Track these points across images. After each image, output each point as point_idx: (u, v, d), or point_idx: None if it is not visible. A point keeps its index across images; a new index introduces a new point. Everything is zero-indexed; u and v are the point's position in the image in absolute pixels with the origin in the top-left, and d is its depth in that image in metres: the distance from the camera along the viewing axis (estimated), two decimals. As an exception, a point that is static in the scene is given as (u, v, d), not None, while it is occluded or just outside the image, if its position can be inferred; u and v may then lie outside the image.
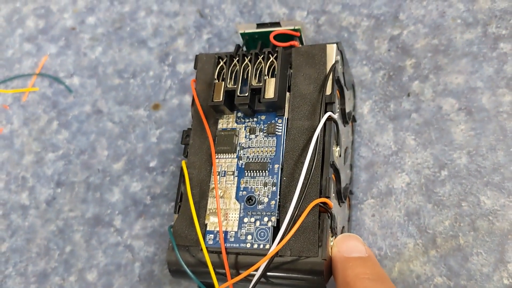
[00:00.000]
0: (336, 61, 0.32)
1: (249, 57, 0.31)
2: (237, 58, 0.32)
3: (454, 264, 0.33)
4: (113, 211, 0.42)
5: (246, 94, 0.31)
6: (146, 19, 0.48)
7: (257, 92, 0.31)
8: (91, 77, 0.47)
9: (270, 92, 0.30)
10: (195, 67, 0.35)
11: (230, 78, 0.32)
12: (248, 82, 0.31)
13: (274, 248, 0.27)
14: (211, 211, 0.30)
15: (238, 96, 0.31)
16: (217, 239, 0.30)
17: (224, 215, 0.30)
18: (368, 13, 0.41)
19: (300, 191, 0.29)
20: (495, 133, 0.35)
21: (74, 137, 0.46)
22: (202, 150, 0.32)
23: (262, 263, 0.26)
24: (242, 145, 0.31)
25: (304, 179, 0.29)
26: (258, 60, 0.31)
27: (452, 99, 0.37)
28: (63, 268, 0.42)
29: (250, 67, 0.31)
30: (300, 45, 0.33)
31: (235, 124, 0.32)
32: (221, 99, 0.31)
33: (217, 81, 0.32)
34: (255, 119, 0.31)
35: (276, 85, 0.30)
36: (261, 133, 0.31)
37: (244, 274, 0.27)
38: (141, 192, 0.42)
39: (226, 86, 0.31)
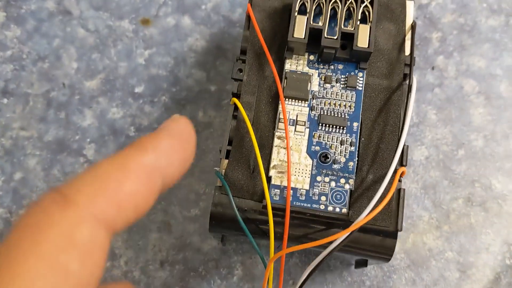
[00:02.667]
0: (415, 22, 0.30)
1: (334, -5, 0.28)
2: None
3: (465, 241, 0.35)
4: (84, 138, 0.36)
5: (336, 37, 0.28)
6: None
7: (346, 38, 0.28)
8: (57, -34, 0.39)
9: (363, 41, 0.28)
10: (251, -9, 0.31)
11: (313, 13, 0.28)
12: (338, 24, 0.28)
13: (363, 216, 0.25)
14: (275, 162, 0.27)
15: (325, 37, 0.28)
16: (284, 195, 0.27)
17: (293, 170, 0.27)
18: (399, -27, 0.40)
19: (379, 157, 0.27)
20: (509, 122, 0.37)
21: (29, 38, 0.37)
22: (262, 90, 0.29)
23: (347, 232, 0.25)
24: (315, 93, 0.28)
25: (389, 144, 0.27)
26: (350, 1, 0.28)
27: (473, 81, 0.38)
28: (10, 198, 0.35)
29: (340, 7, 0.28)
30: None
31: (307, 68, 0.29)
32: (303, 37, 0.28)
33: (297, 14, 0.28)
34: (331, 67, 0.29)
35: (372, 34, 0.28)
36: (338, 84, 0.29)
37: (323, 240, 0.24)
38: (123, 120, 0.36)
39: (310, 22, 0.28)
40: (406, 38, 0.30)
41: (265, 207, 0.27)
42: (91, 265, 0.16)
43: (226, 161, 0.28)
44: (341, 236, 0.25)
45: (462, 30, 0.40)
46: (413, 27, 0.31)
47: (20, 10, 0.38)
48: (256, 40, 0.30)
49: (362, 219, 0.25)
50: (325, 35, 0.28)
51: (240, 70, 0.29)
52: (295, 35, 0.28)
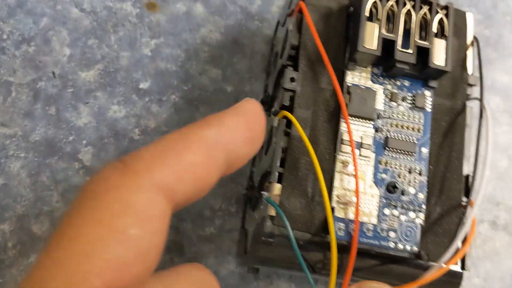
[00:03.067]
0: (475, 36, 0.28)
1: (412, 3, 0.25)
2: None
3: (490, 267, 0.33)
4: (79, 140, 0.30)
5: (411, 51, 0.25)
6: None
7: (420, 52, 0.25)
8: None
9: (439, 58, 0.25)
10: (302, -14, 0.27)
11: (384, 20, 0.25)
12: (412, 36, 0.25)
13: (447, 259, 0.22)
14: (338, 191, 0.24)
15: (399, 50, 0.24)
16: (348, 229, 0.23)
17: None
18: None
19: (446, 188, 0.25)
20: (531, 143, 0.36)
21: (12, 14, 0.31)
22: (318, 104, 0.25)
23: (430, 278, 0.22)
24: (380, 112, 0.25)
25: (455, 173, 0.25)
26: (424, 11, 0.25)
27: (498, 98, 0.37)
28: (-13, 210, 0.29)
29: (414, 17, 0.25)
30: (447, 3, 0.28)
31: (370, 83, 0.25)
32: (375, 48, 0.24)
33: (368, 21, 0.25)
34: (397, 83, 0.26)
35: (449, 50, 0.25)
36: (404, 103, 0.25)
37: (408, 286, 0.22)
38: (126, 121, 0.31)
39: (382, 31, 0.24)
40: (468, 53, 0.28)
41: (326, 242, 0.23)
42: (151, 232, 0.16)
43: (278, 185, 0.24)
44: (427, 281, 0.22)
45: (487, 43, 0.38)
46: (476, 41, 0.28)
47: (-2, -22, 0.31)
48: (310, 45, 0.26)
49: (446, 263, 0.23)
50: (399, 48, 0.25)
51: (293, 79, 0.25)
52: (366, 45, 0.24)
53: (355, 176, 0.24)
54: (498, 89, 0.37)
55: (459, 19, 0.28)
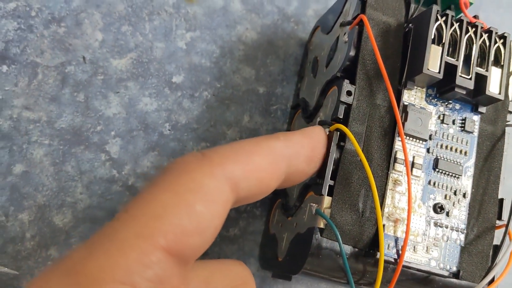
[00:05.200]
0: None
1: (473, 29, 0.25)
2: (458, 23, 0.25)
3: None
4: (107, 130, 0.29)
5: (470, 77, 0.25)
6: None
7: (479, 79, 0.25)
8: None
9: (495, 86, 0.25)
10: (365, -1, 0.27)
11: (447, 44, 0.25)
12: (472, 63, 0.25)
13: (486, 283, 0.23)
14: (389, 209, 0.24)
15: (460, 76, 0.25)
16: (397, 247, 0.24)
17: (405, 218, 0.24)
18: None
19: (483, 211, 0.25)
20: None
21: (42, -10, 0.29)
22: (373, 120, 0.25)
23: None
24: (433, 134, 0.25)
25: (491, 197, 0.26)
26: (482, 38, 0.26)
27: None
28: (7, 197, 0.27)
29: (475, 44, 0.25)
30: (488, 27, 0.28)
31: (425, 103, 0.26)
32: (438, 71, 0.24)
33: (432, 43, 0.25)
34: (449, 105, 0.26)
35: (504, 79, 0.25)
36: (454, 126, 0.26)
37: None
38: (157, 114, 0.30)
39: (445, 56, 0.25)
40: (511, 81, 0.28)
41: (372, 257, 0.23)
42: (212, 213, 0.19)
43: (328, 198, 0.24)
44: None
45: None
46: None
47: (31, -50, 0.30)
48: (368, 60, 0.26)
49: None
50: (460, 73, 0.25)
51: (349, 93, 0.25)
52: (430, 68, 0.24)
53: (408, 195, 0.24)
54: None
55: (502, 44, 0.29)
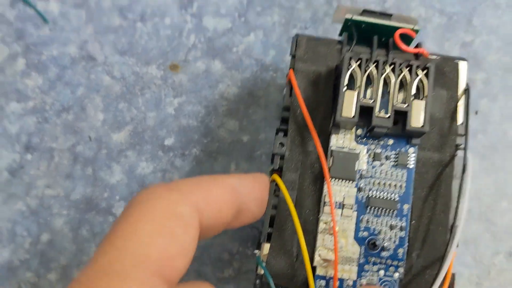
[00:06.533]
0: (468, 85, 0.29)
1: (391, 66, 0.26)
2: (375, 64, 0.26)
3: (512, 302, 0.34)
4: (112, 196, 0.35)
5: (388, 116, 0.26)
6: None
7: (398, 114, 0.26)
8: (77, 6, 0.37)
9: (418, 120, 0.26)
10: (292, 53, 0.29)
11: (363, 87, 0.27)
12: (390, 100, 0.26)
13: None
14: (321, 251, 0.26)
15: (377, 116, 0.26)
16: (330, 287, 0.25)
17: (340, 258, 0.26)
18: (441, 8, 0.38)
19: (429, 240, 0.26)
20: (557, 171, 0.36)
21: (52, 87, 0.36)
22: (305, 167, 0.27)
23: None
24: (363, 173, 0.27)
25: (440, 225, 0.26)
26: (402, 74, 0.26)
27: (521, 125, 0.36)
28: (38, 261, 0.34)
29: (393, 80, 0.26)
30: (430, 55, 0.29)
31: (354, 144, 0.27)
32: (353, 115, 0.26)
33: (346, 88, 0.26)
34: (380, 142, 0.27)
35: (427, 111, 0.26)
36: (387, 162, 0.27)
37: None
38: (153, 176, 0.35)
39: (360, 99, 0.26)
40: (459, 104, 0.29)
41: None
42: (191, 235, 0.21)
43: (268, 245, 0.27)
44: None
45: (507, 70, 0.37)
46: (466, 91, 0.29)
47: (40, 56, 0.36)
48: (298, 111, 0.28)
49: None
50: (376, 114, 0.26)
51: (282, 145, 0.28)
52: (343, 114, 0.26)
53: (334, 236, 0.26)
54: (521, 117, 0.37)
55: (451, 69, 0.29)
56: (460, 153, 0.28)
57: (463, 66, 0.29)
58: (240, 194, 0.25)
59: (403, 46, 0.28)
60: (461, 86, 0.29)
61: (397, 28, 0.29)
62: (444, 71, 0.29)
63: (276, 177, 0.27)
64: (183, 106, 0.36)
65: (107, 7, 0.37)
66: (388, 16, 0.30)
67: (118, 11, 0.37)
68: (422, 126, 0.26)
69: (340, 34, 0.31)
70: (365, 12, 0.30)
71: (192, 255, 0.21)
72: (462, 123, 0.28)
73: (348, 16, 0.29)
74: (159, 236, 0.20)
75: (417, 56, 0.29)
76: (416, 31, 0.29)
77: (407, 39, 0.29)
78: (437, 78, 0.28)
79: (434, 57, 0.29)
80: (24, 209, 0.34)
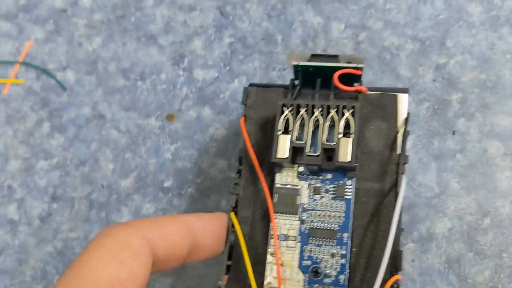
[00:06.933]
0: (408, 114, 0.30)
1: (320, 110, 0.29)
2: (305, 109, 0.29)
3: (496, 318, 0.34)
4: (123, 235, 0.39)
5: (317, 154, 0.28)
6: (155, 9, 0.43)
7: (329, 151, 0.29)
8: (89, 73, 0.43)
9: (345, 155, 0.28)
10: (243, 102, 0.32)
11: (296, 130, 0.29)
12: (319, 139, 0.29)
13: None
14: (269, 279, 0.29)
15: (307, 155, 0.29)
16: (278, 312, 0.28)
17: (286, 286, 0.28)
18: (413, 34, 0.39)
19: (371, 265, 0.28)
20: (541, 184, 0.35)
21: (71, 144, 0.42)
22: (256, 204, 0.30)
23: None
24: (305, 206, 0.29)
25: (382, 251, 0.28)
26: (331, 115, 0.29)
27: (498, 142, 0.37)
28: (66, 295, 0.39)
29: (321, 122, 0.29)
30: (368, 91, 0.31)
31: (296, 180, 0.30)
32: (286, 156, 0.29)
33: (280, 132, 0.29)
34: (320, 177, 0.30)
35: (353, 146, 0.28)
36: (327, 195, 0.29)
37: None
38: (155, 214, 0.39)
39: (293, 141, 0.29)
40: (399, 134, 0.30)
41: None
42: (140, 263, 0.25)
43: (226, 276, 0.30)
44: None
45: (484, 87, 0.38)
46: (406, 121, 0.30)
47: (61, 119, 0.43)
48: (249, 154, 0.31)
49: None
50: (307, 153, 0.29)
51: (237, 184, 0.31)
52: (278, 156, 0.29)
53: (277, 266, 0.29)
54: (499, 133, 0.37)
55: (390, 102, 0.31)
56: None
57: (402, 98, 0.31)
58: (195, 231, 0.28)
59: (341, 86, 0.30)
60: (402, 117, 0.30)
61: (340, 68, 0.31)
62: (383, 105, 0.30)
63: (232, 214, 0.30)
64: (179, 151, 0.40)
65: (113, 71, 0.43)
66: (334, 57, 0.32)
67: (122, 73, 0.42)
68: (349, 161, 0.28)
69: (295, 79, 0.33)
70: (313, 56, 0.32)
71: (143, 281, 0.25)
72: (402, 153, 0.30)
73: (295, 62, 0.32)
74: (110, 263, 0.24)
75: (357, 93, 0.31)
76: (360, 69, 0.32)
77: (354, 77, 0.32)
78: (375, 111, 0.30)
79: (373, 92, 0.31)
80: (52, 250, 0.40)
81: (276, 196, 0.30)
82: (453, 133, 0.37)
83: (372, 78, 0.39)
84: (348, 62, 0.32)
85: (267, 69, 0.40)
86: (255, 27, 0.42)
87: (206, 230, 0.29)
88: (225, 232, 0.30)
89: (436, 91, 0.38)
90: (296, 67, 0.32)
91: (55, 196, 0.41)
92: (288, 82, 0.33)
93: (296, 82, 0.32)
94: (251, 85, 0.33)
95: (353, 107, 0.29)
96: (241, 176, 0.31)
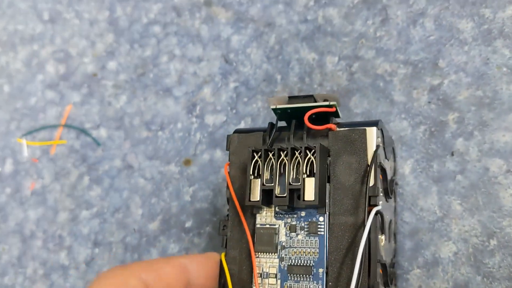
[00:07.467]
0: (378, 146, 0.31)
1: (285, 152, 0.30)
2: (272, 153, 0.31)
3: None
4: (153, 274, 0.43)
5: (285, 195, 0.30)
6: (169, 64, 0.47)
7: (296, 191, 0.30)
8: (118, 128, 0.47)
9: (309, 194, 0.29)
10: (227, 149, 0.34)
11: (267, 173, 0.31)
12: (286, 181, 0.30)
13: None
14: (255, 313, 0.30)
15: (276, 197, 0.30)
16: None
17: (269, 320, 0.30)
18: (405, 59, 0.39)
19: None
20: (547, 199, 0.34)
21: (107, 194, 0.46)
22: (242, 244, 0.32)
23: None
24: (283, 244, 0.31)
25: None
26: (295, 156, 0.30)
27: (500, 159, 0.35)
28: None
29: (287, 163, 0.30)
30: (338, 128, 0.32)
31: (274, 220, 0.31)
32: (258, 199, 0.30)
33: (252, 177, 0.31)
34: (295, 215, 0.31)
35: (316, 186, 0.29)
36: (302, 232, 0.31)
37: None
38: (179, 253, 0.42)
39: (263, 184, 0.31)
40: (370, 169, 0.31)
41: None
42: None
43: (219, 311, 0.32)
44: None
45: (481, 104, 0.37)
46: (375, 153, 0.31)
47: (98, 172, 0.47)
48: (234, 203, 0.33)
49: None
50: (276, 195, 0.30)
51: (224, 227, 0.33)
52: (251, 199, 0.31)
53: (258, 303, 0.30)
54: (500, 150, 0.36)
55: (358, 136, 0.31)
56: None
57: (371, 131, 0.31)
58: (189, 272, 0.31)
59: (311, 126, 0.32)
60: (371, 150, 0.31)
61: (313, 108, 0.33)
62: (352, 140, 0.31)
63: (222, 255, 0.33)
64: (196, 192, 0.43)
65: (137, 124, 0.47)
66: (310, 97, 0.33)
67: (145, 126, 0.46)
68: (313, 200, 0.29)
69: (275, 122, 0.35)
70: (290, 98, 0.34)
71: None
72: (373, 185, 0.30)
73: (273, 106, 0.34)
74: None
75: (327, 131, 0.32)
76: (333, 106, 0.33)
77: (331, 113, 0.33)
78: (345, 146, 0.31)
79: (342, 129, 0.32)
80: (96, 291, 0.45)
81: (255, 236, 0.32)
82: (452, 154, 0.37)
83: (368, 107, 0.40)
84: (325, 100, 0.33)
85: (269, 108, 0.42)
86: (256, 70, 0.44)
87: (200, 270, 0.32)
88: (217, 271, 0.32)
89: (431, 113, 0.38)
90: (275, 111, 0.34)
91: (96, 241, 0.46)
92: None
93: (280, 123, 0.34)
94: (235, 131, 0.35)
95: (313, 149, 0.30)
96: (229, 218, 0.33)
